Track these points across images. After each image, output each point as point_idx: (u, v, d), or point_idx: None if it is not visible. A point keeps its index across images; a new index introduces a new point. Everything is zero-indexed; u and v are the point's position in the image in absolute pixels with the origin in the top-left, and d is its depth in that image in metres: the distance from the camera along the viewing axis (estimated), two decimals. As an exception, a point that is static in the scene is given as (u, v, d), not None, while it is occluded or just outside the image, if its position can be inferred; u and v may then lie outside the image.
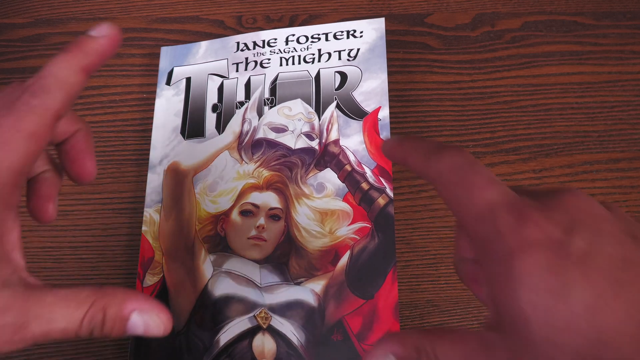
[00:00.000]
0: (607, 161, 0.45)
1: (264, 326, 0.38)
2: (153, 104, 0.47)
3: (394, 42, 0.49)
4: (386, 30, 0.47)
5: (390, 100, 0.45)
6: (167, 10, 0.51)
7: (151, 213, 0.42)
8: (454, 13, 0.51)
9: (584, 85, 0.48)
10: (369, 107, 0.44)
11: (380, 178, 0.41)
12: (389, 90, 0.45)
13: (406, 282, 0.42)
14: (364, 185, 0.41)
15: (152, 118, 0.46)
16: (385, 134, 0.43)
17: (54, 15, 0.51)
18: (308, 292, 0.39)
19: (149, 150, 0.45)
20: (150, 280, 0.41)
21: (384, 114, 0.43)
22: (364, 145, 0.43)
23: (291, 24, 0.50)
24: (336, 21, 0.50)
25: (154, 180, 0.43)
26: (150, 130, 0.46)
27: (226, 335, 0.38)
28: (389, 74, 0.47)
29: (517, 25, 0.50)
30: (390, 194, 0.41)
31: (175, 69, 0.47)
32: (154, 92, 0.47)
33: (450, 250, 0.43)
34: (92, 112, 0.48)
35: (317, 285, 0.39)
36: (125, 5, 0.51)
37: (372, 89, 0.44)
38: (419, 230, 0.43)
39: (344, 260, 0.40)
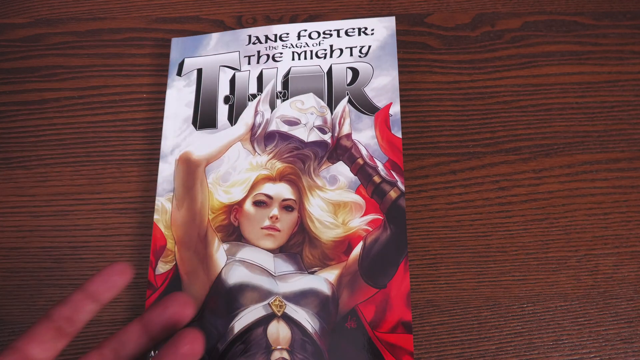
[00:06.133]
0: (607, 161, 0.45)
1: (279, 314, 0.39)
2: (154, 103, 0.47)
3: (394, 42, 0.49)
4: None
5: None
6: (167, 10, 0.51)
7: (163, 202, 0.43)
8: (454, 13, 0.51)
9: (584, 85, 0.48)
10: (380, 102, 0.44)
11: (392, 172, 0.42)
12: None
13: (406, 282, 0.42)
14: (376, 179, 0.42)
15: (152, 118, 0.47)
16: (396, 129, 0.43)
17: (54, 15, 0.51)
18: (322, 281, 0.40)
19: (150, 149, 0.45)
20: (162, 268, 0.41)
21: (395, 110, 0.44)
22: (376, 140, 0.43)
23: (291, 23, 0.50)
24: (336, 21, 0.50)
25: (166, 170, 0.44)
26: (154, 130, 0.46)
27: (240, 322, 0.39)
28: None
29: (517, 25, 0.50)
30: (402, 187, 0.42)
31: (186, 60, 0.48)
32: (154, 92, 0.48)
33: (450, 250, 0.43)
34: (92, 112, 0.48)
35: (331, 275, 0.40)
36: (125, 5, 0.51)
37: (384, 86, 0.45)
38: (419, 230, 0.43)
39: (357, 250, 0.40)
